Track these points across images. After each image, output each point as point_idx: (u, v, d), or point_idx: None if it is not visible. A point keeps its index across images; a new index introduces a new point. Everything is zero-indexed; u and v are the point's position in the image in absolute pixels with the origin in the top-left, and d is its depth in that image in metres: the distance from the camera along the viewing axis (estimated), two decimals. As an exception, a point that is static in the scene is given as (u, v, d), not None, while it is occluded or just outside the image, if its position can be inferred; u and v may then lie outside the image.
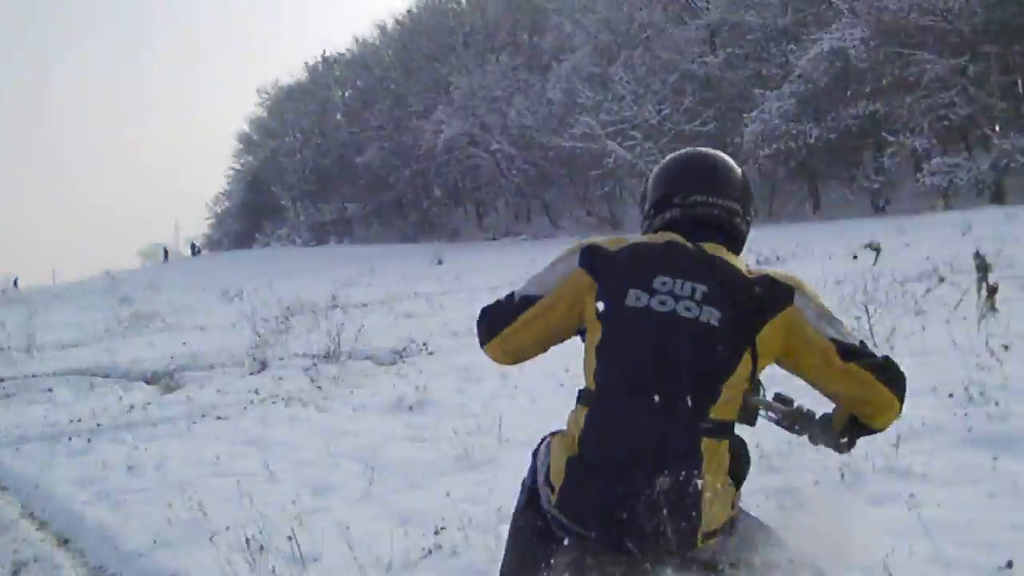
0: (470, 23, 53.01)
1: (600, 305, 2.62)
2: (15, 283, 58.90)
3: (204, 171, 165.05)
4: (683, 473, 2.35)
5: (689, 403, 2.46)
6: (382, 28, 60.17)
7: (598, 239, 2.74)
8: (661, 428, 2.41)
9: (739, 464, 2.49)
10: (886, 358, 2.57)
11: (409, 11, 57.07)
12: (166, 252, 72.74)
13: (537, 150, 43.45)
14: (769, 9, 39.39)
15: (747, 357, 2.56)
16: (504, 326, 2.79)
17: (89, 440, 7.89)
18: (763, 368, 2.55)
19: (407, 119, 51.05)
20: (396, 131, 52.10)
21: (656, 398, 2.46)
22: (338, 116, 62.20)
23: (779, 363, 2.60)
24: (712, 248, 2.67)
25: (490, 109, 44.88)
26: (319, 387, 9.20)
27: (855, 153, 37.72)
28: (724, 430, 2.47)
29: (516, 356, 2.86)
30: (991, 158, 31.82)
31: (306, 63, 66.33)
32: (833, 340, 2.55)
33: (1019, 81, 36.05)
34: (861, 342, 2.58)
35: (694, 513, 2.32)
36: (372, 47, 61.14)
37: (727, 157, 2.88)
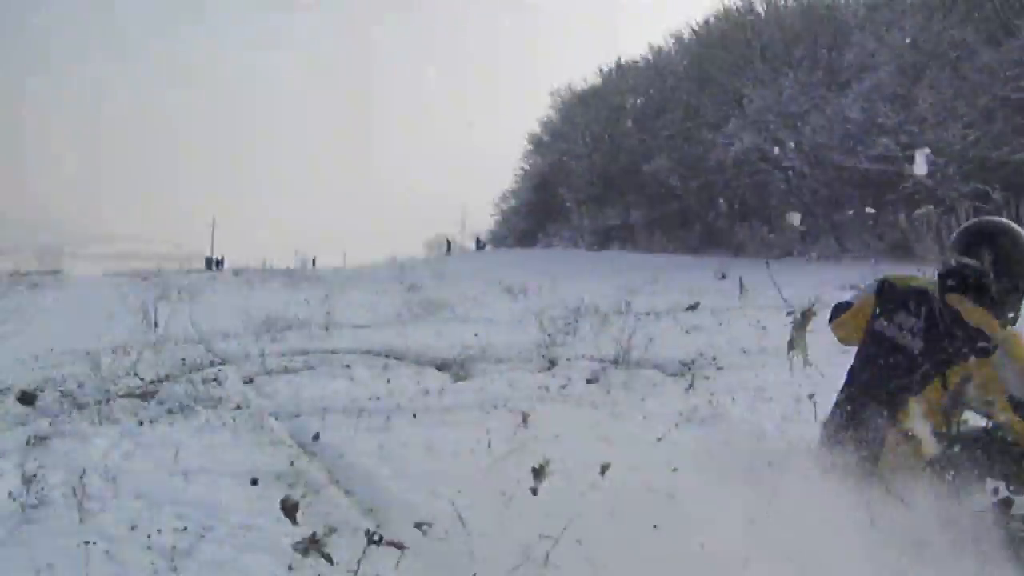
0: (768, 36, 52.17)
1: (870, 323, 3.98)
2: (313, 262, 62.51)
3: (492, 168, 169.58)
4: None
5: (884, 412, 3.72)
6: (677, 38, 60.04)
7: (893, 275, 4.14)
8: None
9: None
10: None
11: (706, 21, 56.71)
12: (449, 244, 75.27)
13: (830, 169, 42.32)
14: (1099, 28, 36.86)
15: (936, 383, 3.63)
16: (836, 317, 4.36)
17: (388, 418, 8.29)
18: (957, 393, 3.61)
19: (697, 130, 50.75)
20: (686, 142, 51.83)
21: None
22: (628, 123, 62.51)
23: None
24: (954, 299, 3.71)
25: (784, 125, 44.05)
26: (608, 391, 9.32)
27: None
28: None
29: (844, 340, 4.32)
30: None
31: (600, 68, 67.11)
32: (1011, 397, 3.46)
33: None
34: None
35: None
36: (666, 56, 61.07)
37: (1007, 227, 3.79)
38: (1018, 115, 37.87)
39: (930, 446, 3.63)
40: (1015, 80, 38.16)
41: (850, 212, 44.09)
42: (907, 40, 41.10)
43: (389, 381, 10.63)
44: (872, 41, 43.44)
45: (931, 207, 33.13)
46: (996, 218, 4.04)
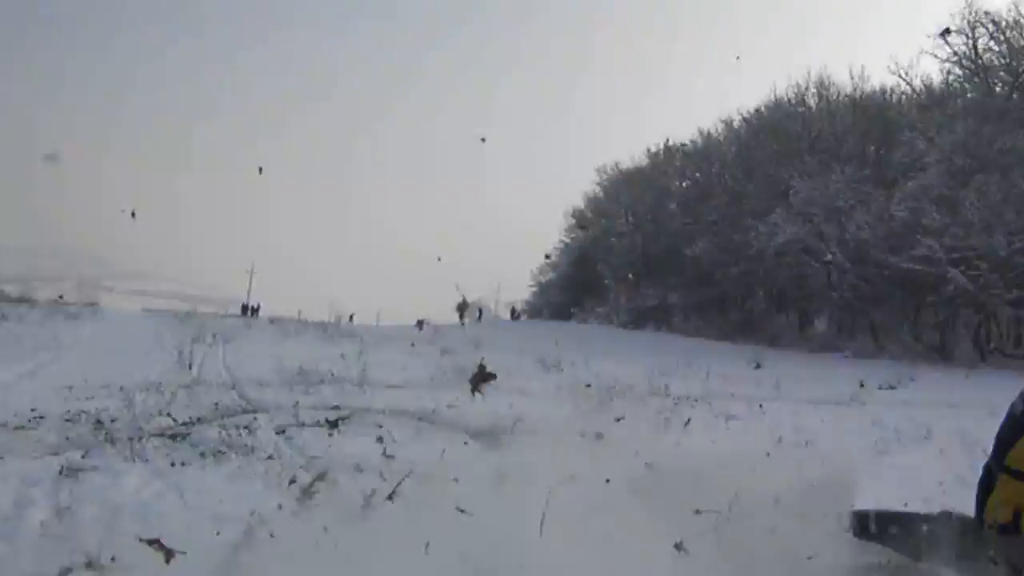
0: (818, 129, 52.39)
1: None
2: (351, 318, 62.67)
3: (529, 239, 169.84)
4: None
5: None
6: (727, 123, 60.33)
7: None
8: None
9: None
10: None
11: (757, 110, 56.97)
12: (480, 312, 75.30)
13: (871, 266, 42.16)
14: None
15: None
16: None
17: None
18: None
19: (741, 217, 50.76)
20: (729, 228, 51.87)
21: None
22: (673, 205, 62.71)
23: None
24: None
25: (828, 218, 43.99)
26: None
27: None
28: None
29: None
30: None
31: (648, 149, 67.46)
32: None
33: None
34: None
35: None
36: (715, 141, 61.36)
37: None
38: (1063, 225, 37.72)
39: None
40: (1063, 190, 38.09)
41: (887, 310, 43.91)
42: (957, 143, 41.06)
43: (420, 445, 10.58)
44: (922, 142, 43.43)
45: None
46: None
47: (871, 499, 5.98)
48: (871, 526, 5.22)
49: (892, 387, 24.19)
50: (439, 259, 73.14)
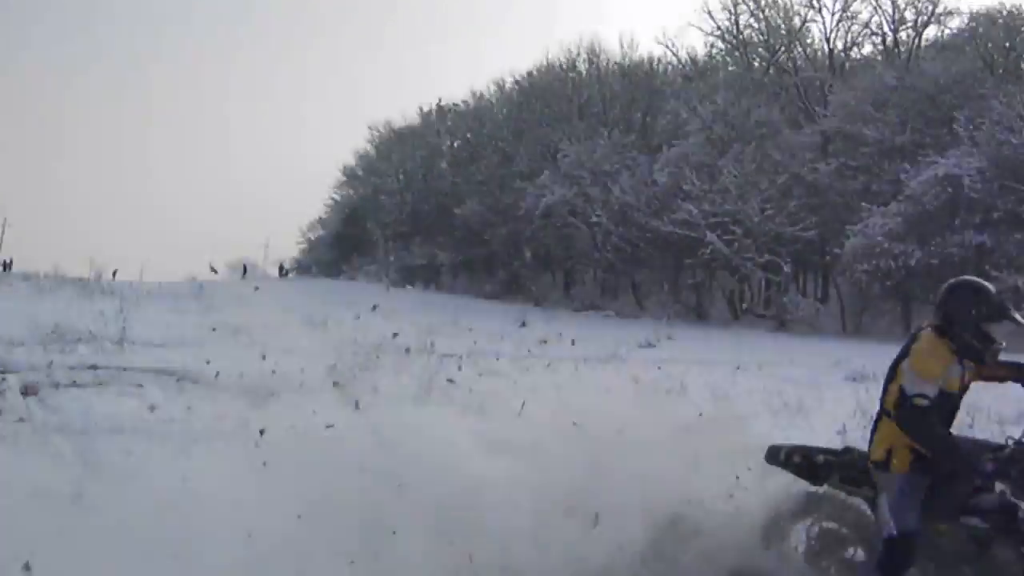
0: (587, 94, 53.44)
1: None
2: (113, 275, 59.97)
3: (300, 195, 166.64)
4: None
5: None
6: (500, 85, 60.78)
7: None
8: None
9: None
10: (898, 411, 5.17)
11: (529, 73, 57.54)
12: (245, 268, 73.42)
13: (635, 229, 43.45)
14: (888, 126, 39.21)
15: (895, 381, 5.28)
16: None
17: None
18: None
19: (511, 179, 51.39)
20: (498, 189, 52.40)
21: None
22: (443, 164, 62.77)
23: None
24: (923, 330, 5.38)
25: (595, 182, 45.05)
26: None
27: (955, 282, 37.21)
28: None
29: None
30: (1097, 308, 31.27)
31: (420, 108, 67.12)
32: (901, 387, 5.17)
33: None
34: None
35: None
36: (487, 103, 61.68)
37: (956, 281, 5.47)
38: (811, 195, 39.85)
39: None
40: (812, 162, 40.22)
41: (649, 272, 45.43)
42: (717, 113, 42.74)
43: (190, 407, 10.27)
44: (685, 110, 45.00)
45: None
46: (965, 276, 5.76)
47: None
48: (781, 455, 6.03)
49: (652, 345, 25.02)
50: (205, 215, 71.20)
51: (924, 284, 36.67)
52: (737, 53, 50.44)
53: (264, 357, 13.70)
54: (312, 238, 76.99)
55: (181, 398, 10.89)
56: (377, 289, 54.16)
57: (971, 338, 5.18)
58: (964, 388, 5.37)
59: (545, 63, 56.77)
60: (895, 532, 5.10)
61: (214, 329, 20.86)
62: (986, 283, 5.39)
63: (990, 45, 42.03)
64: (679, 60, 53.25)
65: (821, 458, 5.86)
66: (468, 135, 61.99)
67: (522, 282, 52.11)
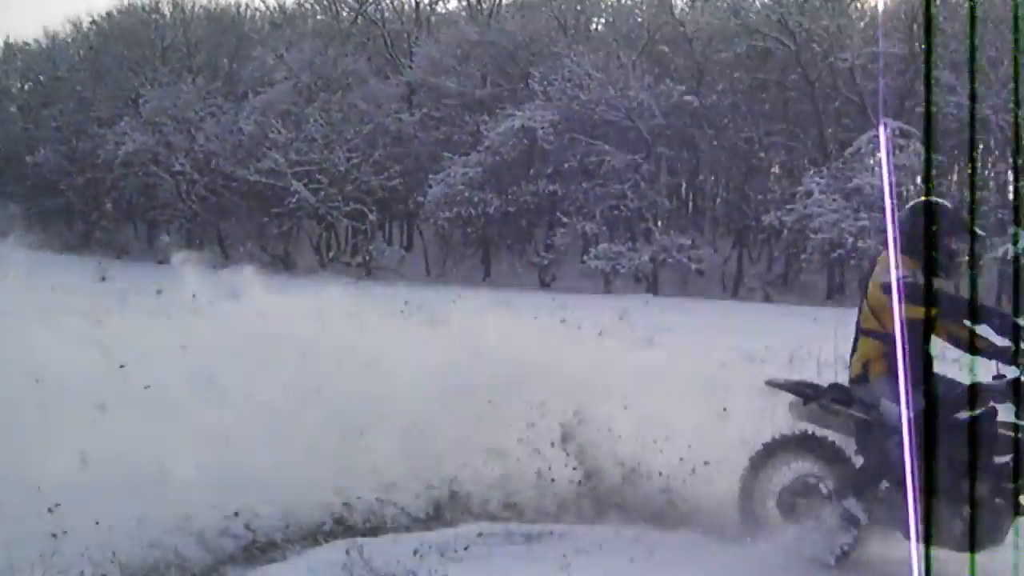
0: (171, 38, 51.31)
1: None
2: None
3: None
4: None
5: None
6: (76, 25, 57.05)
7: None
8: None
9: None
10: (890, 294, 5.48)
11: (108, 14, 54.42)
12: None
13: (220, 178, 42.49)
14: (469, 79, 40.60)
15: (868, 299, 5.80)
16: None
17: None
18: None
19: (89, 125, 48.65)
20: (75, 135, 49.51)
21: None
22: (13, 108, 58.44)
23: None
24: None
25: (178, 129, 43.50)
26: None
27: (529, 228, 39.31)
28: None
29: None
30: (651, 250, 34.08)
31: (-15, 47, 62.00)
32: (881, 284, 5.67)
33: (683, 184, 39.05)
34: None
35: None
36: (62, 43, 57.84)
37: (916, 201, 5.79)
38: (396, 144, 40.60)
39: None
40: (397, 112, 40.92)
41: (235, 222, 44.62)
42: (304, 62, 42.47)
43: None
44: (272, 58, 44.37)
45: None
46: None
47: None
48: (779, 381, 6.68)
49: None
50: None
51: (501, 230, 38.57)
52: (326, 2, 50.29)
53: None
54: None
55: None
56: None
57: (934, 252, 5.53)
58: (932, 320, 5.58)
59: (126, 3, 53.99)
60: (911, 413, 5.09)
61: None
62: (945, 201, 5.83)
63: (564, 7, 44.23)
64: (267, 6, 52.59)
65: (810, 390, 6.37)
66: (41, 77, 57.94)
67: (102, 234, 49.67)
